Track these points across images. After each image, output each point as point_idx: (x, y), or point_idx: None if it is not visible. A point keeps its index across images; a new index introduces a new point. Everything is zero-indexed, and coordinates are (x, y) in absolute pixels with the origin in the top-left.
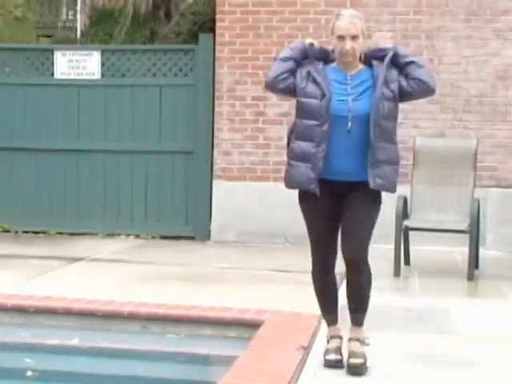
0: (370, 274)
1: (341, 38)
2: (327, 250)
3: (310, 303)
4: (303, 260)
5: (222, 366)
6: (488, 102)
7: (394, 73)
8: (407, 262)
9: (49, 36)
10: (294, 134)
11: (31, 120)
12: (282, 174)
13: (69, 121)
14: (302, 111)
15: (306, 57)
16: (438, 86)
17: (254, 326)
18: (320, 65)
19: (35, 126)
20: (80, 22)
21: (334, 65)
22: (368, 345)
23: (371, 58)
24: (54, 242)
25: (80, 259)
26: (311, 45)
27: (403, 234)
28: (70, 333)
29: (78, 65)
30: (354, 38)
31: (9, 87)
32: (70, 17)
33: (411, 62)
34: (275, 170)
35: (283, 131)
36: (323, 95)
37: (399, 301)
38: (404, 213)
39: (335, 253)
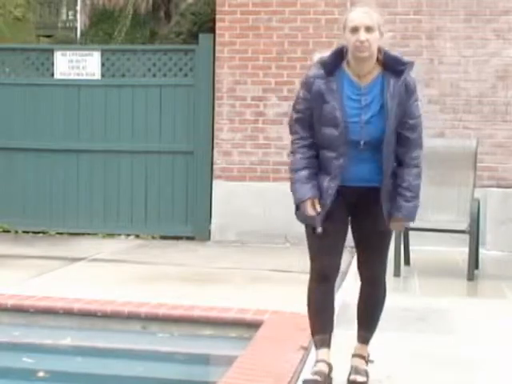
0: (385, 293)
1: (354, 29)
2: (331, 262)
3: None
4: (303, 260)
5: (223, 366)
6: (488, 102)
7: (405, 99)
8: (407, 262)
9: (49, 36)
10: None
11: (31, 120)
12: (282, 174)
13: (69, 121)
14: (321, 141)
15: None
16: (438, 88)
17: (254, 325)
18: (334, 83)
19: (35, 125)
20: (80, 22)
21: (346, 68)
22: (372, 362)
23: (387, 65)
24: (54, 242)
25: (80, 259)
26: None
27: (403, 234)
28: (69, 332)
29: (78, 65)
30: (369, 29)
31: (9, 87)
32: (70, 17)
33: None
34: (275, 170)
35: (283, 131)
36: (338, 123)
37: (399, 301)
38: None
39: (339, 265)
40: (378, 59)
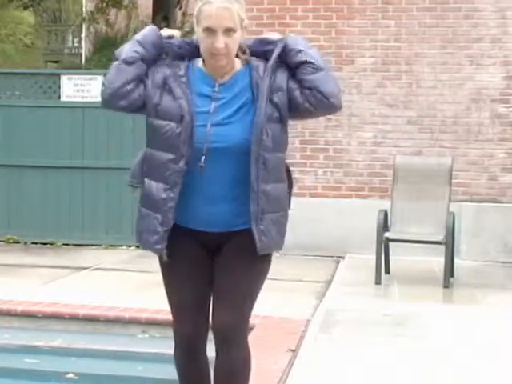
0: (248, 357)
1: (209, 30)
2: (195, 325)
3: (297, 310)
4: (291, 269)
5: None
6: (462, 123)
7: (282, 77)
8: (388, 271)
9: (56, 61)
10: (145, 169)
11: (39, 139)
12: None
13: (74, 140)
14: (154, 138)
15: (161, 53)
16: (416, 109)
17: None
18: (182, 68)
19: (43, 145)
20: (85, 49)
21: (200, 64)
22: None
23: (251, 53)
24: (61, 252)
25: (85, 268)
26: (170, 37)
27: (384, 245)
28: (75, 336)
29: (83, 88)
30: (229, 31)
31: (19, 109)
32: (76, 44)
33: (305, 62)
34: None
35: None
36: (182, 117)
37: (380, 307)
38: (385, 225)
39: (206, 323)
40: (237, 55)
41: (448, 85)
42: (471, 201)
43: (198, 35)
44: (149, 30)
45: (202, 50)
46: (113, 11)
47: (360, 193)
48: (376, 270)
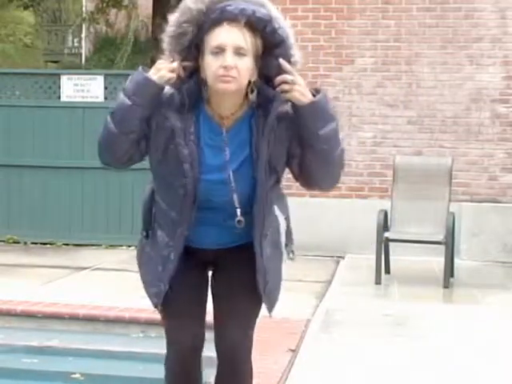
0: (251, 372)
1: (218, 50)
2: (194, 342)
3: (297, 310)
4: (292, 269)
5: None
6: (462, 123)
7: (282, 141)
8: (388, 271)
9: (56, 61)
10: (154, 212)
11: (39, 139)
12: None
13: (74, 140)
14: (157, 184)
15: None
16: (416, 109)
17: None
18: (192, 121)
19: (43, 145)
20: (85, 49)
21: (205, 106)
22: None
23: (259, 102)
24: (61, 252)
25: (84, 268)
26: (169, 79)
27: (384, 245)
28: (74, 336)
29: (83, 88)
30: (240, 50)
31: (19, 109)
32: (76, 44)
33: (318, 150)
34: None
35: None
36: (185, 184)
37: (380, 307)
38: (385, 225)
39: (203, 334)
40: (252, 90)
41: (448, 85)
42: (471, 201)
43: (205, 62)
44: (141, 79)
45: (209, 78)
46: (113, 11)
47: (360, 193)
48: (376, 270)
